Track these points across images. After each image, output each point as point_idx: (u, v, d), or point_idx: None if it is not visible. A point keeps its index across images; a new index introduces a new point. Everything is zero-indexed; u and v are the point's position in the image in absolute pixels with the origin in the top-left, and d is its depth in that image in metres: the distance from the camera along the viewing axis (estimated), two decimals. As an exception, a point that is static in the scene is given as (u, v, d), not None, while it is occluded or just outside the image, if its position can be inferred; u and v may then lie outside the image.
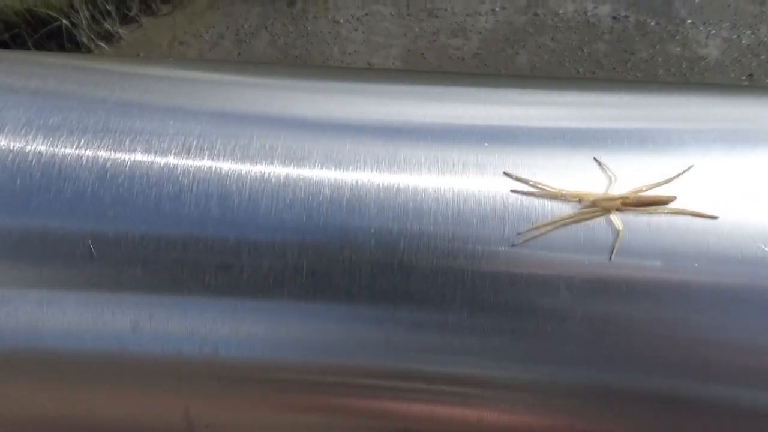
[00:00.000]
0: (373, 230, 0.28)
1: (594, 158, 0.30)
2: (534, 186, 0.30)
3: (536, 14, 1.97)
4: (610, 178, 0.30)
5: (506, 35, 1.89)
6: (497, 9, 1.97)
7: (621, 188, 0.29)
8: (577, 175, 0.30)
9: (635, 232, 0.28)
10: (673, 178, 0.29)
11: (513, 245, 0.29)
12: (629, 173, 0.30)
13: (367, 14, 1.89)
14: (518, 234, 0.29)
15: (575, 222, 0.29)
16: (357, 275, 0.28)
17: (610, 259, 0.28)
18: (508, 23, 1.95)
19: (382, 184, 0.29)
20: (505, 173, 0.30)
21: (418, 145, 0.30)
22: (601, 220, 0.29)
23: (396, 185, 0.29)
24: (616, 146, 0.30)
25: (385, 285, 0.28)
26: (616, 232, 0.29)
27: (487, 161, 0.30)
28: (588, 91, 0.33)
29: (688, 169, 0.29)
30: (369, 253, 0.28)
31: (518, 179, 0.30)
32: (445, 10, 1.95)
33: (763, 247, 0.28)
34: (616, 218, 0.29)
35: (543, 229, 0.29)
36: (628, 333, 0.28)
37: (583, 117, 0.32)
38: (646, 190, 0.29)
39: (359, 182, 0.29)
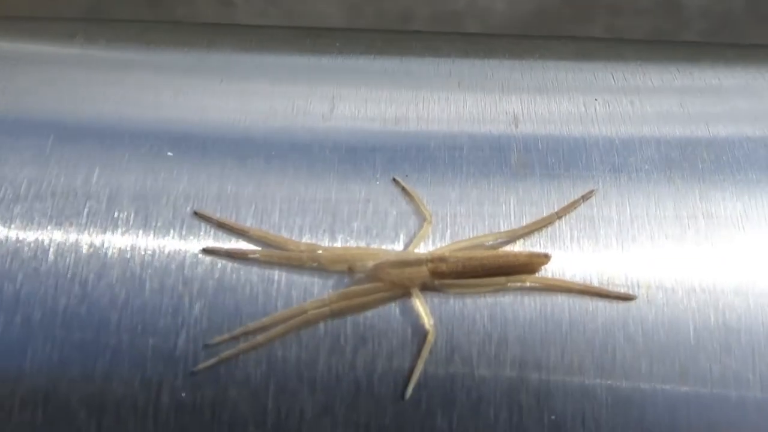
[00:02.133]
0: None
1: (394, 179, 0.14)
2: (255, 237, 0.14)
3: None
4: (424, 219, 0.14)
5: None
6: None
7: (438, 241, 0.14)
8: (347, 215, 0.14)
9: (464, 337, 0.12)
10: (554, 218, 0.14)
11: (192, 373, 0.13)
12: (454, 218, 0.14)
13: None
14: (204, 346, 0.13)
15: (331, 317, 0.13)
16: None
17: (404, 398, 0.12)
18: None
19: None
20: (196, 213, 0.14)
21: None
22: (388, 313, 0.13)
23: None
24: (424, 165, 0.15)
25: None
26: (422, 338, 0.13)
27: (170, 190, 0.14)
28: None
29: (589, 195, 0.14)
30: None
31: (221, 225, 0.14)
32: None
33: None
34: (422, 306, 0.13)
35: (259, 339, 0.13)
36: None
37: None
38: (489, 243, 0.14)
39: None
